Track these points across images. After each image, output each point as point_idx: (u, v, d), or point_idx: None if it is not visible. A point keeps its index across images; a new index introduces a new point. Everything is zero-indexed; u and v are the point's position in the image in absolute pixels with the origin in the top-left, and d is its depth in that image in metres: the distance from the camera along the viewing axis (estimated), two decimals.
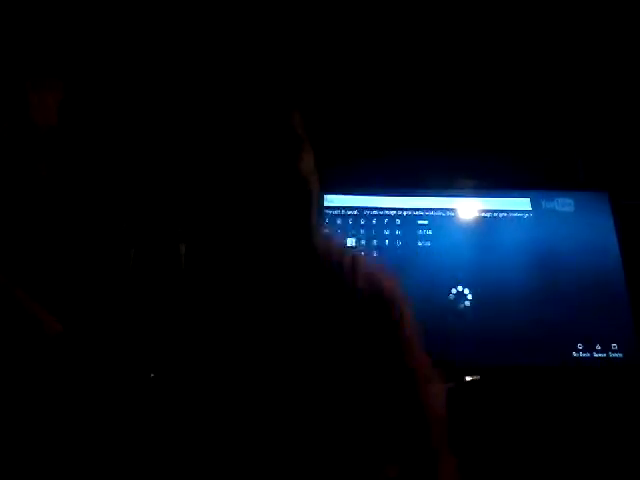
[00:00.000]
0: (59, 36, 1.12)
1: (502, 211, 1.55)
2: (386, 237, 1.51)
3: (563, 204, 1.56)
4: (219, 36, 1.45)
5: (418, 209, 1.55)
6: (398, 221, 1.53)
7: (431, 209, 1.55)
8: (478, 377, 1.37)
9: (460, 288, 1.46)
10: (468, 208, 1.56)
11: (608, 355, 1.41)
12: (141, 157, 1.36)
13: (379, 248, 1.50)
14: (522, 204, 1.56)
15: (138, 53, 1.44)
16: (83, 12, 1.28)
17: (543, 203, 1.56)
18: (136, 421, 0.49)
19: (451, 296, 1.46)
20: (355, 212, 1.52)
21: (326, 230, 0.74)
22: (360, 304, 0.69)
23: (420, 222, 1.53)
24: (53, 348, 0.81)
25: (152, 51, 1.45)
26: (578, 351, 1.41)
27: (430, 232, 1.52)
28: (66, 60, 1.08)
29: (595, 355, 1.41)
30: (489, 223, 1.54)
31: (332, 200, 1.53)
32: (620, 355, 1.41)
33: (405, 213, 1.54)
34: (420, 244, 1.51)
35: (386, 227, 1.52)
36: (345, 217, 1.52)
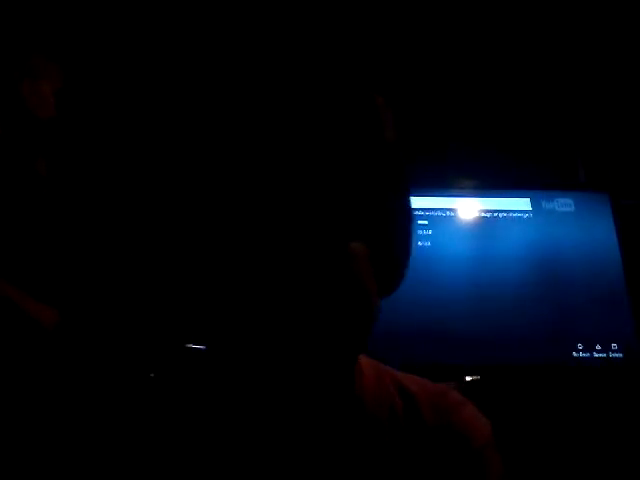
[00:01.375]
0: (56, 20, 1.10)
1: (502, 211, 1.55)
2: None
3: (563, 204, 1.56)
4: (227, 26, 1.44)
5: (418, 209, 1.55)
6: None
7: (431, 209, 1.55)
8: (478, 377, 1.37)
9: (460, 288, 1.46)
10: (468, 208, 1.56)
11: (608, 355, 1.41)
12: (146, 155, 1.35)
13: None
14: (522, 204, 1.56)
15: (144, 38, 1.42)
16: None
17: (543, 203, 1.56)
18: (137, 420, 0.48)
19: (451, 296, 1.46)
20: None
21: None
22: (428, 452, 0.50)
23: (420, 222, 1.53)
24: (53, 341, 0.81)
25: (159, 36, 1.43)
26: (578, 351, 1.41)
27: (430, 232, 1.52)
28: (64, 46, 1.06)
29: (595, 355, 1.41)
30: (489, 223, 1.54)
31: None
32: (620, 355, 1.41)
33: None
34: (420, 244, 1.51)
35: None
36: None
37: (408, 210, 0.50)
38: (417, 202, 1.56)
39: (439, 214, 1.54)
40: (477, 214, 1.55)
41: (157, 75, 1.44)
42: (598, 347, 1.42)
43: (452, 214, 1.55)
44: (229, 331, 0.45)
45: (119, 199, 1.22)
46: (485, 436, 0.54)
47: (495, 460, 0.54)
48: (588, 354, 1.41)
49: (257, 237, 0.42)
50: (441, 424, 0.52)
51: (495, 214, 1.55)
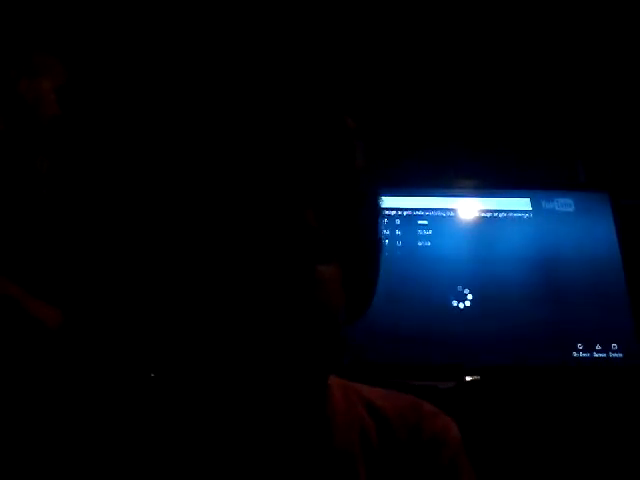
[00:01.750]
0: (57, 15, 1.09)
1: (502, 211, 1.55)
2: (386, 237, 1.51)
3: (563, 204, 1.56)
4: (229, 23, 1.44)
5: (418, 209, 1.55)
6: (398, 221, 1.53)
7: (431, 209, 1.55)
8: (478, 377, 1.37)
9: (460, 288, 1.46)
10: (468, 208, 1.56)
11: (608, 355, 1.41)
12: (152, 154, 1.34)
13: None
14: (522, 204, 1.56)
15: (150, 32, 1.41)
16: None
17: (543, 203, 1.56)
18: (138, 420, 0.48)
19: (451, 296, 1.46)
20: None
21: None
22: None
23: (420, 222, 1.53)
24: (58, 341, 0.81)
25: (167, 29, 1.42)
26: (578, 351, 1.41)
27: (430, 232, 1.52)
28: (66, 42, 1.05)
29: (595, 355, 1.41)
30: (489, 223, 1.54)
31: None
32: (620, 355, 1.41)
33: (405, 213, 1.54)
34: (420, 244, 1.51)
35: (386, 227, 1.52)
36: None
37: (377, 236, 0.50)
38: (417, 202, 1.56)
39: (439, 214, 1.54)
40: (477, 214, 1.55)
41: (155, 76, 1.44)
42: (598, 347, 1.42)
43: (452, 214, 1.55)
44: (194, 355, 0.43)
45: (118, 198, 1.21)
46: (455, 444, 0.52)
47: (466, 467, 0.52)
48: (588, 354, 1.41)
49: (222, 259, 0.40)
50: (412, 438, 0.51)
51: (495, 214, 1.55)
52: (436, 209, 1.55)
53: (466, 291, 1.46)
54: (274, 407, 0.42)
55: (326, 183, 0.43)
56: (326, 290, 0.41)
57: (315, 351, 0.41)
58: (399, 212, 1.54)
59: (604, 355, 1.41)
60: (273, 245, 0.39)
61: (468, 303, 1.45)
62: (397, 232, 1.52)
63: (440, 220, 1.54)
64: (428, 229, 1.52)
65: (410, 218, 1.53)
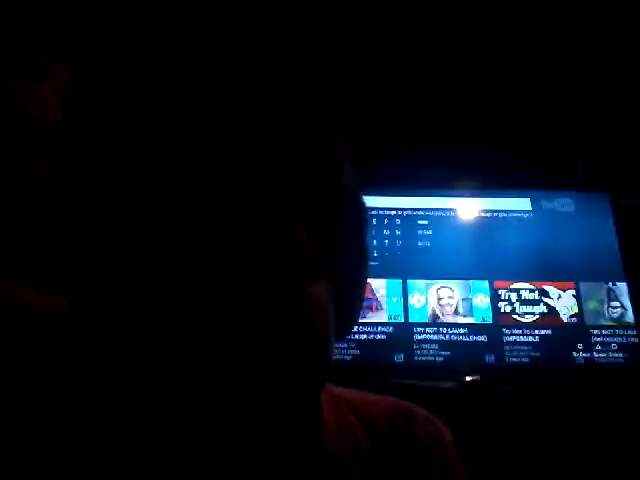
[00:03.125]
0: (59, 19, 1.08)
1: (502, 211, 1.55)
2: (386, 237, 1.51)
3: (563, 204, 1.56)
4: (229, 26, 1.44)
5: (418, 209, 1.55)
6: (398, 221, 1.53)
7: (431, 209, 1.55)
8: (478, 377, 1.37)
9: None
10: (468, 208, 1.56)
11: (608, 355, 1.41)
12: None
13: (379, 248, 1.50)
14: (522, 204, 1.56)
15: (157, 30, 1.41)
16: None
17: (543, 203, 1.56)
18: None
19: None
20: None
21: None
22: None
23: (420, 222, 1.53)
24: (52, 329, 0.80)
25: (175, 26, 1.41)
26: (578, 351, 1.41)
27: (430, 232, 1.52)
28: (69, 43, 1.04)
29: (595, 355, 1.41)
30: (489, 223, 1.54)
31: None
32: (620, 355, 1.41)
33: (405, 213, 1.54)
34: (420, 244, 1.51)
35: (386, 227, 1.52)
36: None
37: (364, 252, 0.49)
38: (417, 202, 1.56)
39: (439, 214, 1.54)
40: (477, 214, 1.55)
41: (152, 84, 1.44)
42: (598, 347, 1.42)
43: (452, 214, 1.55)
44: (181, 374, 0.40)
45: (113, 202, 1.21)
46: (449, 449, 0.52)
47: (460, 473, 0.51)
48: (588, 354, 1.41)
49: (210, 280, 0.38)
50: (405, 445, 0.50)
51: (495, 214, 1.55)
52: (436, 209, 1.55)
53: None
54: (263, 426, 0.40)
55: (314, 200, 0.42)
56: (317, 311, 0.40)
57: (305, 374, 0.40)
58: (399, 212, 1.54)
59: (604, 355, 1.41)
60: (263, 266, 0.38)
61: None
62: (397, 232, 1.52)
63: (440, 220, 1.54)
64: (428, 229, 1.53)
65: (410, 218, 1.54)
